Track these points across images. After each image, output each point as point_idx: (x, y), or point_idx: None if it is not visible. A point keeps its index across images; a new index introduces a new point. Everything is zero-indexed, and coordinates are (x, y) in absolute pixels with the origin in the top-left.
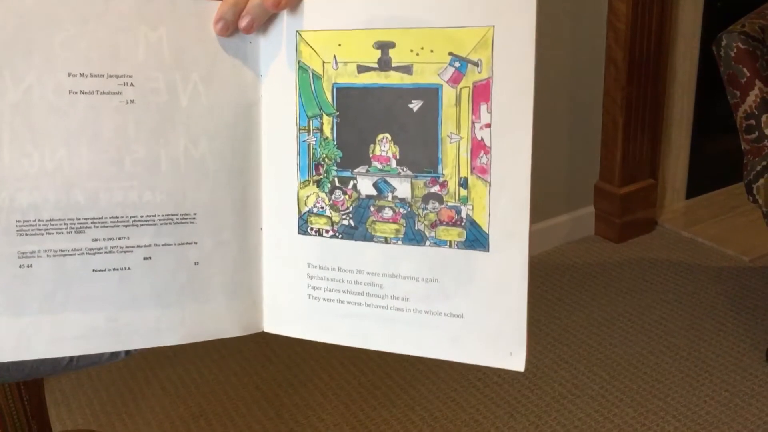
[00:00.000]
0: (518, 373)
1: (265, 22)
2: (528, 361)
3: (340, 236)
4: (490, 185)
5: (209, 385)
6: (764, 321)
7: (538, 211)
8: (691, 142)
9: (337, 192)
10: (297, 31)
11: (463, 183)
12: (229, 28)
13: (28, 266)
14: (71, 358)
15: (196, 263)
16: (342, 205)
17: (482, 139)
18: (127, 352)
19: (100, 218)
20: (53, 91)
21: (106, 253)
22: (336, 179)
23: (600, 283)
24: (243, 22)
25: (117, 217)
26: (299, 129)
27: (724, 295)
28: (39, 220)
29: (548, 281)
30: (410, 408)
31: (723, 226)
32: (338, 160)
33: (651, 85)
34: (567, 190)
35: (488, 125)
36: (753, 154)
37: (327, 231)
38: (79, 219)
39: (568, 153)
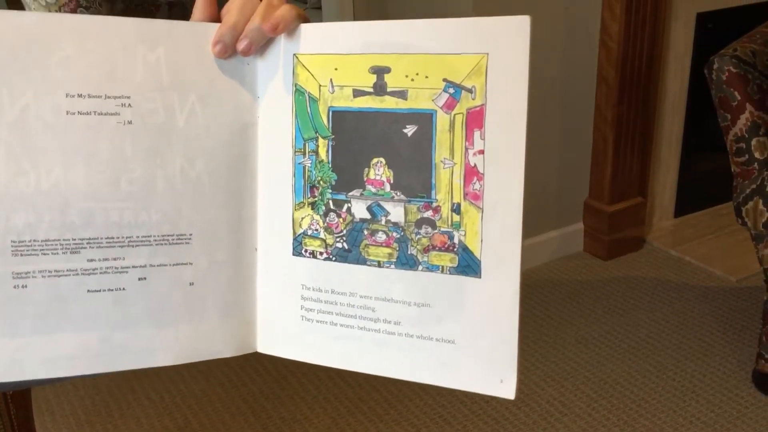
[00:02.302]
0: None
1: (263, 45)
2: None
3: (333, 259)
4: (482, 211)
5: (195, 396)
6: (751, 341)
7: (528, 226)
8: (680, 162)
9: (332, 215)
10: (294, 55)
11: (456, 209)
12: (227, 50)
13: (22, 287)
14: None
15: (191, 283)
16: (336, 228)
17: (475, 165)
18: None
19: (95, 238)
20: (50, 111)
21: (101, 273)
22: (330, 202)
23: (588, 300)
24: (241, 45)
25: (113, 238)
26: (295, 151)
27: (711, 314)
28: (34, 241)
29: (536, 297)
30: (397, 423)
31: (711, 245)
32: (333, 182)
33: (641, 103)
34: (556, 206)
35: (481, 151)
36: (743, 176)
37: (321, 253)
38: (75, 239)
39: (558, 169)
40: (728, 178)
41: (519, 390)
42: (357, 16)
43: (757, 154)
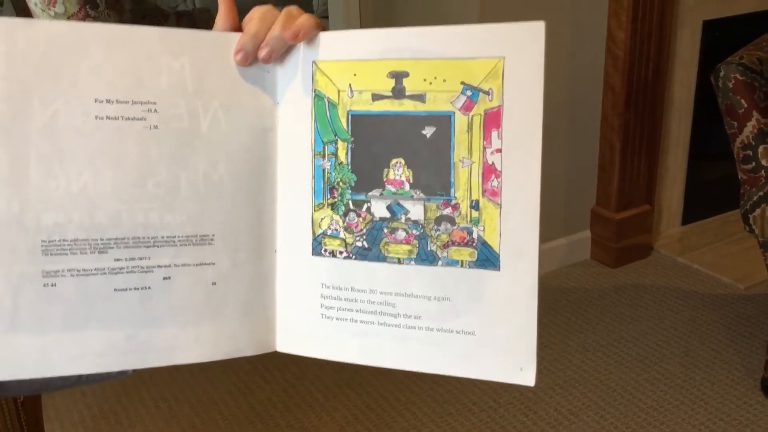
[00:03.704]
0: (513, 397)
1: (282, 53)
2: (522, 385)
3: (353, 257)
4: (500, 207)
5: (203, 404)
6: (759, 349)
7: None
8: (687, 169)
9: (351, 214)
10: (314, 61)
11: (475, 205)
12: (249, 58)
13: (52, 285)
14: (80, 375)
15: (214, 283)
16: (356, 227)
17: (493, 163)
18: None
19: (122, 239)
20: (80, 116)
21: (127, 272)
22: (350, 202)
23: (595, 308)
24: (262, 53)
25: (139, 238)
26: (314, 154)
27: (719, 322)
28: (63, 240)
29: (544, 305)
30: (405, 430)
31: (719, 252)
32: (352, 183)
33: (648, 111)
34: (564, 214)
35: (499, 150)
36: (750, 184)
37: (341, 252)
38: (102, 239)
39: (566, 177)
40: (736, 186)
41: (526, 397)
42: (363, 25)
43: (764, 162)
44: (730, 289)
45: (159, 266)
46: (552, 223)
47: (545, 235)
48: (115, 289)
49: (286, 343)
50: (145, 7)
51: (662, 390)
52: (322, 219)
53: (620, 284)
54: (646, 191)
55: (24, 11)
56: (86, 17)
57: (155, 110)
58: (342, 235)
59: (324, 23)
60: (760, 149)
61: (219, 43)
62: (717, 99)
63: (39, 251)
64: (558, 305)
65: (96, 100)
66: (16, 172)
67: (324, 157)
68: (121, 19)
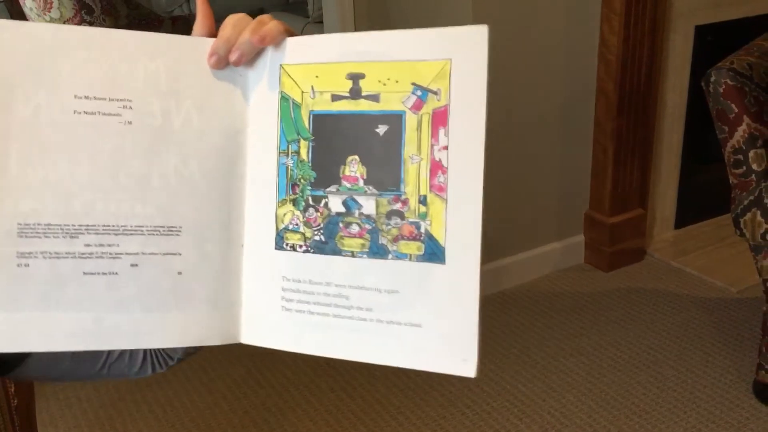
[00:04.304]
0: (507, 401)
1: (253, 57)
2: (517, 389)
3: (312, 251)
4: (446, 202)
5: (198, 409)
6: (751, 353)
7: (529, 238)
8: (681, 173)
9: (311, 210)
10: (281, 65)
11: (423, 200)
12: (222, 61)
13: (25, 265)
14: (102, 367)
15: (180, 273)
16: (314, 222)
17: (440, 160)
18: (153, 370)
19: (93, 225)
20: (59, 110)
21: (96, 258)
22: (310, 198)
23: (589, 311)
24: (233, 56)
25: (109, 226)
26: (279, 152)
27: (711, 325)
28: (38, 224)
29: (537, 309)
30: None
31: (711, 256)
32: (312, 180)
33: (641, 116)
34: (557, 218)
35: (446, 147)
36: (741, 188)
37: (300, 246)
38: (75, 225)
39: (559, 181)
40: (728, 190)
41: (520, 401)
42: (358, 28)
43: (754, 166)
44: (723, 293)
45: (127, 253)
46: (545, 227)
47: (539, 240)
48: (84, 273)
49: (250, 335)
50: (141, 12)
51: (655, 393)
52: (284, 214)
53: (614, 288)
54: (640, 195)
55: (19, 15)
56: (81, 22)
57: (130, 107)
58: (302, 229)
59: (319, 28)
60: (751, 154)
61: (194, 47)
62: (708, 104)
63: (15, 233)
64: (551, 309)
65: (75, 96)
66: None
67: (288, 155)
68: (117, 24)
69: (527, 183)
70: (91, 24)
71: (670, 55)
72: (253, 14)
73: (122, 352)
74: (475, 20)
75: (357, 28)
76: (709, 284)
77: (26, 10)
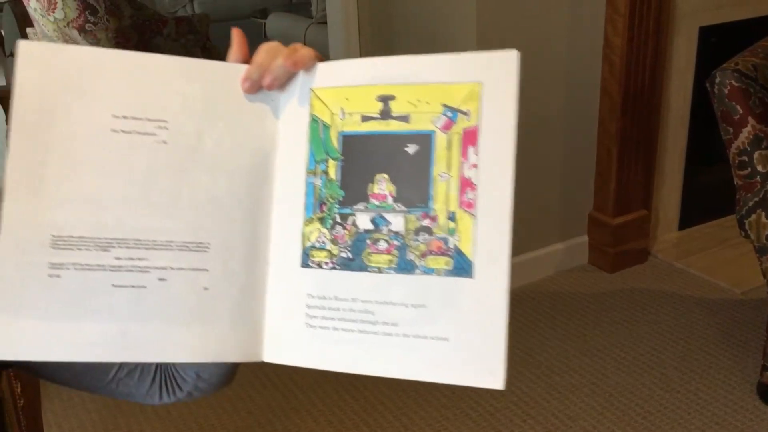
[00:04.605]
0: (511, 402)
1: (285, 81)
2: (520, 390)
3: (338, 268)
4: (475, 218)
5: (202, 409)
6: (755, 354)
7: (533, 239)
8: (684, 174)
9: (338, 227)
10: (311, 89)
11: (452, 216)
12: (255, 86)
13: (57, 276)
14: (110, 381)
15: (206, 288)
16: (342, 239)
17: (469, 177)
18: (161, 398)
19: (124, 239)
20: (97, 129)
21: (126, 271)
22: (337, 216)
23: (593, 312)
24: (267, 80)
25: (139, 240)
26: (307, 172)
27: (715, 327)
28: (71, 237)
29: (541, 310)
30: None
31: (715, 257)
32: (340, 198)
33: (645, 117)
34: (561, 219)
35: (475, 165)
36: (745, 189)
37: (327, 263)
38: (106, 238)
39: (563, 182)
40: (732, 191)
41: (524, 402)
42: (361, 28)
43: (759, 167)
44: (727, 294)
45: (156, 267)
46: (549, 228)
47: (542, 240)
48: (113, 285)
49: (273, 354)
50: (145, 13)
51: (659, 394)
52: (311, 232)
53: (617, 289)
54: (644, 196)
55: (24, 16)
56: (86, 23)
57: (166, 127)
58: (328, 246)
59: (323, 29)
60: (756, 155)
61: (229, 73)
62: (713, 105)
63: (48, 244)
64: (555, 310)
65: (113, 116)
66: (37, 174)
67: (316, 174)
68: (120, 24)
69: (531, 183)
70: (95, 24)
71: (674, 57)
72: (256, 14)
73: (133, 369)
74: (478, 20)
75: (360, 28)
76: (713, 285)
77: (30, 11)
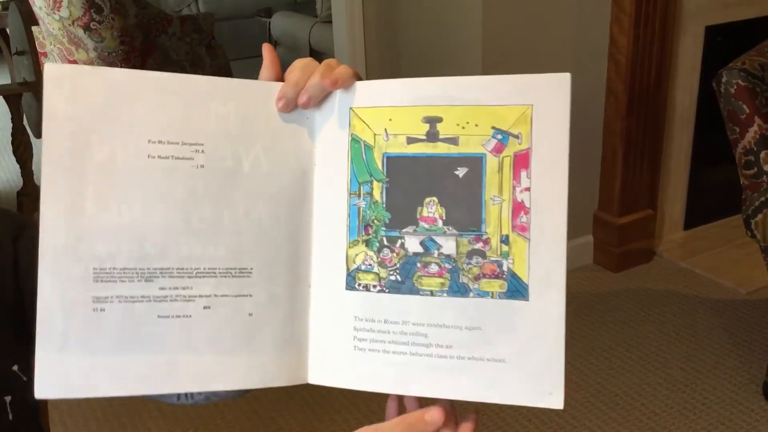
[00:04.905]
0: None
1: (321, 100)
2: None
3: (387, 291)
4: (529, 241)
5: (207, 409)
6: (761, 355)
7: None
8: (690, 174)
9: (386, 250)
10: (351, 108)
11: (505, 240)
12: (290, 105)
13: (101, 310)
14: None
15: (250, 314)
16: (390, 262)
17: (522, 200)
18: (179, 398)
19: (167, 269)
20: (134, 155)
21: (171, 301)
22: (384, 238)
23: (597, 312)
24: (302, 99)
25: (183, 268)
26: (350, 194)
27: (721, 327)
28: (113, 268)
29: None
30: None
31: (721, 258)
32: (387, 221)
33: (651, 116)
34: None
35: (528, 189)
36: (752, 189)
37: (374, 286)
38: (149, 269)
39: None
40: (738, 191)
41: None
42: (366, 28)
43: (766, 167)
44: (732, 294)
45: (200, 296)
46: None
47: None
48: (158, 316)
49: (318, 376)
50: (150, 12)
51: (664, 395)
52: (356, 255)
53: (622, 289)
54: (649, 196)
55: (29, 15)
56: (91, 21)
57: (202, 151)
58: (376, 269)
59: (328, 28)
60: (762, 155)
61: (263, 91)
62: (719, 104)
63: (90, 278)
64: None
65: (149, 141)
66: (74, 204)
67: (359, 196)
68: (125, 23)
69: None
70: (100, 23)
71: (680, 56)
72: (261, 13)
73: None
74: (484, 17)
75: (365, 28)
76: (719, 285)
77: (36, 9)
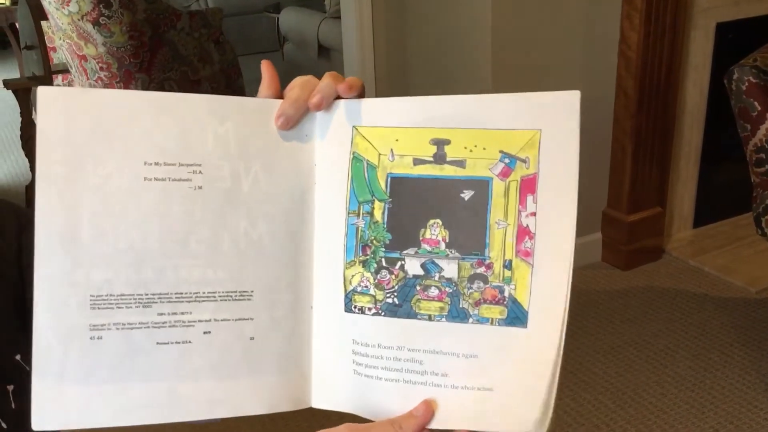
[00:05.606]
0: None
1: (321, 116)
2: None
3: (382, 314)
4: (532, 267)
5: None
6: None
7: None
8: (699, 172)
9: (384, 272)
10: (354, 126)
11: (508, 265)
12: (290, 122)
13: (98, 338)
14: None
15: (252, 338)
16: (387, 284)
17: (527, 225)
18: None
19: (166, 294)
20: (130, 178)
21: (170, 327)
22: (383, 260)
23: (606, 310)
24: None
25: (182, 293)
26: (348, 213)
27: (730, 326)
28: (110, 295)
29: None
30: None
31: (730, 256)
32: (387, 242)
33: (660, 114)
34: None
35: (533, 214)
36: (763, 187)
37: (369, 309)
38: (147, 294)
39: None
40: (748, 189)
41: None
42: (375, 23)
43: None
44: (742, 293)
45: (200, 321)
46: None
47: None
48: (157, 343)
49: (321, 400)
50: (158, 7)
51: (672, 393)
52: (353, 276)
53: (631, 287)
54: (658, 194)
55: (38, 9)
56: (100, 16)
57: (200, 171)
58: (372, 291)
59: (337, 23)
60: None
61: (262, 109)
62: (730, 101)
63: (87, 306)
64: (568, 307)
65: (145, 163)
66: (69, 230)
67: (358, 215)
68: (134, 18)
69: None
70: (109, 18)
71: (690, 53)
72: (269, 8)
73: None
74: (493, 13)
75: (374, 23)
76: (728, 284)
77: (45, 4)
